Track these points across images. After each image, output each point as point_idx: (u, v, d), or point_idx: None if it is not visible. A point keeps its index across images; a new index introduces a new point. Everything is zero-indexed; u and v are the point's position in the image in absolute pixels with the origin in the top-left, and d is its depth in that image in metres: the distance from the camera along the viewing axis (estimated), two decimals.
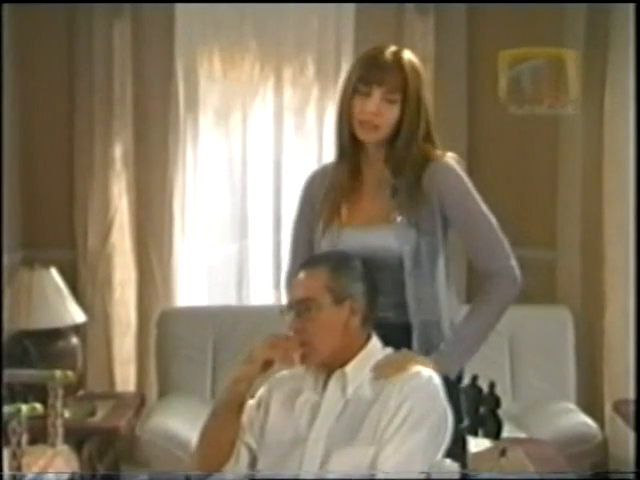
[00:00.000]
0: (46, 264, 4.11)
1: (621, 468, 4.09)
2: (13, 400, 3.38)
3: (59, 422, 3.58)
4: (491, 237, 2.42)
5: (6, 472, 3.13)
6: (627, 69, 4.19)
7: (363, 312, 2.27)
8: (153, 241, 4.60)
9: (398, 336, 2.34)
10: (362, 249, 2.36)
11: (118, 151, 4.57)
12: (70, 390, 3.86)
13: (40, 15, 4.48)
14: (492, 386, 2.50)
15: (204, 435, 2.31)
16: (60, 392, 3.61)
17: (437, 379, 2.23)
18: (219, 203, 4.72)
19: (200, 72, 4.62)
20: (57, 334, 4.05)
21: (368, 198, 2.46)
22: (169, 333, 4.43)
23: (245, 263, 4.74)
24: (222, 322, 4.44)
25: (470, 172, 2.51)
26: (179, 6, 4.53)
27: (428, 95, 2.45)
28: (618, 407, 4.10)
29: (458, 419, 2.30)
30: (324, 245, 2.45)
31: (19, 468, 3.17)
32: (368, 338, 2.30)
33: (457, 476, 2.26)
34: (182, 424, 3.91)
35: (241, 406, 2.29)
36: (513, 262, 2.42)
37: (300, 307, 2.25)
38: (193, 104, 4.61)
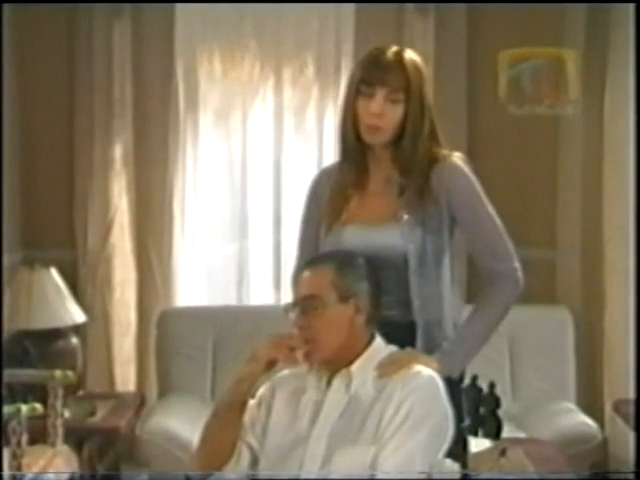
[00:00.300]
0: (46, 264, 4.11)
1: (621, 468, 4.09)
2: (13, 400, 3.38)
3: (59, 422, 3.57)
4: (496, 238, 2.43)
5: (6, 472, 3.13)
6: (627, 69, 4.19)
7: (368, 311, 2.27)
8: (153, 241, 4.60)
9: (402, 334, 2.35)
10: (367, 247, 2.36)
11: (118, 151, 4.57)
12: (70, 390, 3.86)
13: (40, 15, 4.48)
14: (492, 386, 2.49)
15: (205, 434, 2.31)
16: (60, 392, 3.60)
17: (438, 379, 2.23)
18: (219, 203, 4.72)
19: (200, 72, 4.62)
20: (57, 334, 4.05)
21: (374, 197, 2.46)
22: (169, 333, 4.43)
23: (245, 263, 4.74)
24: (222, 322, 4.44)
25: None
26: (179, 6, 4.53)
27: (431, 94, 2.46)
28: (618, 407, 4.10)
29: (459, 419, 2.30)
30: (329, 243, 2.45)
31: (19, 468, 3.17)
32: (372, 338, 2.30)
33: (457, 476, 2.26)
34: (182, 424, 3.91)
35: (243, 406, 2.29)
36: (517, 264, 2.44)
37: (305, 304, 2.25)
38: (193, 104, 4.61)
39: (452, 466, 2.24)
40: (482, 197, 2.44)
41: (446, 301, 2.43)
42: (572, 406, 4.28)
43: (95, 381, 4.54)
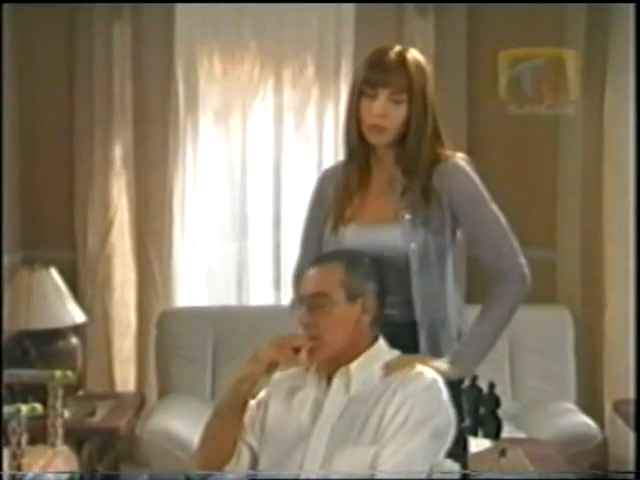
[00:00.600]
0: (46, 264, 4.11)
1: (621, 468, 4.09)
2: (13, 400, 3.38)
3: (59, 422, 3.57)
4: (500, 236, 2.43)
5: (6, 472, 3.13)
6: (627, 69, 4.19)
7: (374, 311, 2.28)
8: (153, 241, 4.60)
9: (404, 334, 2.36)
10: (369, 247, 2.37)
11: (118, 151, 4.57)
12: (70, 390, 3.86)
13: (40, 15, 4.48)
14: (492, 386, 2.49)
15: (206, 434, 2.32)
16: (60, 392, 3.60)
17: (441, 382, 2.22)
18: (219, 203, 4.72)
19: (200, 72, 4.62)
20: (57, 334, 4.05)
21: (377, 197, 2.47)
22: (169, 333, 4.43)
23: (245, 263, 4.74)
24: (222, 322, 4.44)
25: None
26: (179, 6, 4.53)
27: (433, 93, 2.46)
28: (618, 407, 4.10)
29: (459, 419, 2.30)
30: (332, 243, 2.46)
31: (19, 468, 3.17)
32: (375, 339, 2.30)
33: (457, 476, 2.26)
34: (182, 424, 3.90)
35: (244, 406, 2.29)
36: (522, 260, 2.43)
37: (312, 302, 2.25)
38: (193, 104, 4.61)
39: (452, 466, 2.24)
40: (485, 196, 2.44)
41: (449, 301, 2.43)
42: (572, 406, 4.28)
43: (95, 381, 4.54)
